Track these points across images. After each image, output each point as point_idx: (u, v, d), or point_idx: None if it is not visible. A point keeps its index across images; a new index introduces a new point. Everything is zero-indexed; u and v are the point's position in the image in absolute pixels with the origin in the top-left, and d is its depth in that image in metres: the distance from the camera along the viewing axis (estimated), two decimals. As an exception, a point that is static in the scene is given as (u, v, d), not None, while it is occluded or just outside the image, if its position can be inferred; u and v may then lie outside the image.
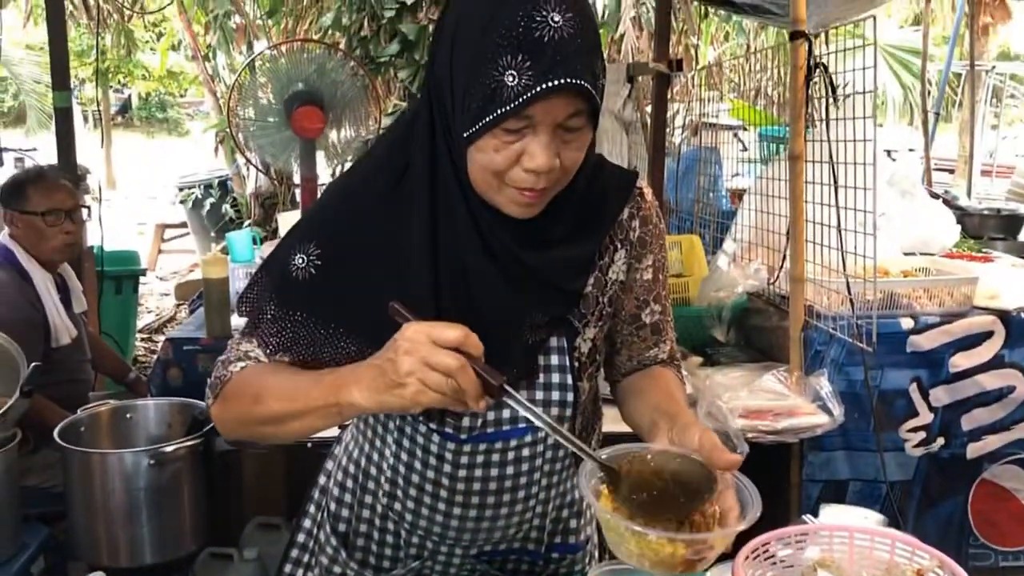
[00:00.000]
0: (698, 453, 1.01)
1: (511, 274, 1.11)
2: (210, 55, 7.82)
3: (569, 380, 1.19)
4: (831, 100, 2.36)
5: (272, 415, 1.10)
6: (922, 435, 2.51)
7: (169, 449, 2.24)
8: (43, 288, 2.72)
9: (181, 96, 18.60)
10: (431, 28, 4.52)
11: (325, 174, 4.37)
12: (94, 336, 3.23)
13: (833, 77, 2.36)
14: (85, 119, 13.84)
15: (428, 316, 1.02)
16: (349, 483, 1.32)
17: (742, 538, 1.03)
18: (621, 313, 1.30)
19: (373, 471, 1.28)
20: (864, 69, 2.29)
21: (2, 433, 2.13)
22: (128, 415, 2.49)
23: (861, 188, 2.28)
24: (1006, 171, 8.70)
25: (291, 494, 2.61)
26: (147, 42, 13.26)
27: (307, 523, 1.39)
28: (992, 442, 2.54)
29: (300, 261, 1.14)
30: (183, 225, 8.53)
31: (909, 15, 11.80)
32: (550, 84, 0.96)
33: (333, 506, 1.34)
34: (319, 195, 1.29)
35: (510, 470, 1.21)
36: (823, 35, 2.61)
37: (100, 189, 4.81)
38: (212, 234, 7.83)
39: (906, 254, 2.92)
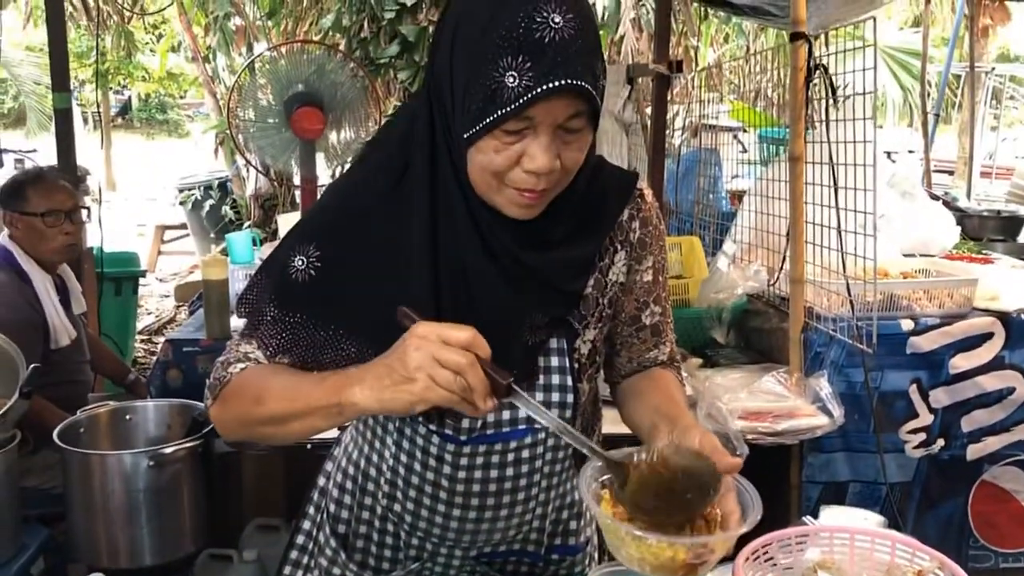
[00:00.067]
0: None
1: (511, 275, 1.11)
2: (210, 56, 7.82)
3: (569, 381, 1.19)
4: (831, 101, 2.36)
5: (273, 416, 1.09)
6: (922, 436, 2.51)
7: (168, 450, 2.24)
8: (42, 289, 2.72)
9: (181, 97, 18.61)
10: (431, 29, 4.53)
11: (325, 175, 4.36)
12: (93, 337, 3.23)
13: (833, 78, 2.36)
14: (85, 121, 13.85)
15: (429, 318, 1.02)
16: (349, 484, 1.32)
17: (742, 540, 1.03)
18: (621, 314, 1.30)
19: (373, 472, 1.28)
20: (864, 70, 2.29)
21: (1, 434, 2.12)
22: (127, 416, 2.49)
23: (861, 189, 2.28)
24: (1005, 173, 8.72)
25: (290, 495, 2.60)
26: (147, 44, 13.26)
27: (306, 524, 1.39)
28: (992, 443, 2.54)
29: (300, 263, 1.13)
30: (183, 226, 8.53)
31: (909, 17, 11.81)
32: (551, 85, 0.96)
33: (332, 507, 1.34)
34: (319, 196, 1.29)
35: (510, 471, 1.21)
36: (823, 36, 2.61)
37: (100, 190, 4.81)
38: (212, 235, 7.83)
39: (906, 255, 2.92)
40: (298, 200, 4.38)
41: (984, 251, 3.36)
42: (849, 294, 2.32)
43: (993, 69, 10.01)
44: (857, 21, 3.14)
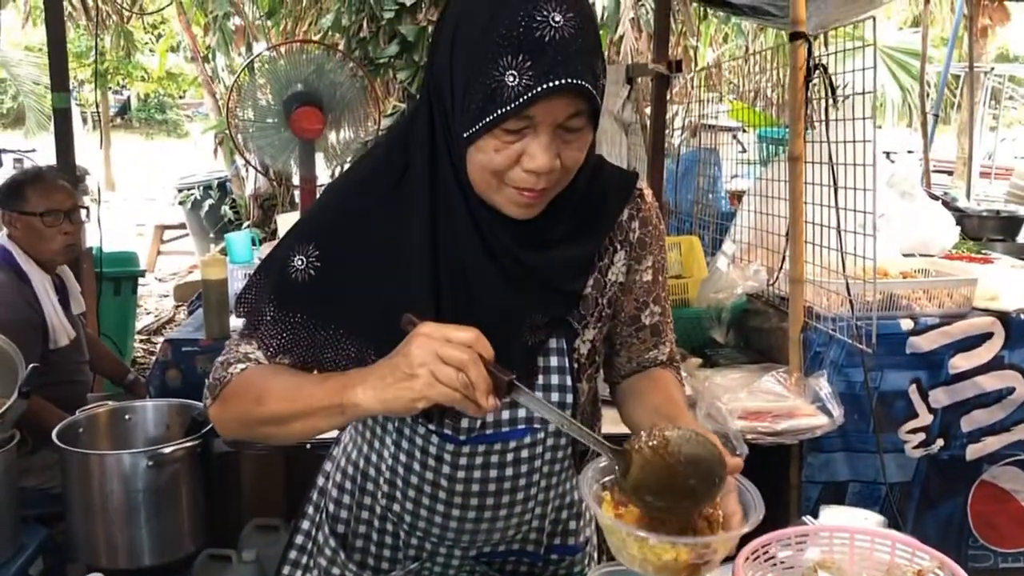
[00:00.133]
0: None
1: (511, 274, 1.11)
2: (209, 56, 7.82)
3: (568, 381, 1.19)
4: (830, 101, 2.36)
5: (274, 416, 1.09)
6: (921, 436, 2.50)
7: (167, 450, 2.23)
8: (41, 289, 2.72)
9: (180, 97, 18.61)
10: (430, 29, 4.53)
11: (324, 175, 4.36)
12: (92, 337, 3.23)
13: (832, 78, 2.36)
14: (84, 120, 13.86)
15: (429, 318, 1.02)
16: (348, 484, 1.32)
17: (742, 539, 1.03)
18: (620, 314, 1.30)
19: (372, 472, 1.28)
20: (864, 70, 2.29)
21: (0, 434, 2.12)
22: (126, 416, 2.49)
23: (860, 189, 2.28)
24: (1004, 173, 8.73)
25: (290, 495, 2.61)
26: (146, 43, 13.25)
27: (305, 524, 1.39)
28: (991, 443, 2.54)
29: (299, 263, 1.13)
30: (182, 226, 8.53)
31: (908, 17, 11.81)
32: (551, 84, 0.96)
33: (332, 507, 1.34)
34: (318, 196, 1.29)
35: (509, 471, 1.21)
36: (822, 36, 2.61)
37: (99, 190, 4.81)
38: (211, 235, 7.83)
39: (905, 255, 2.91)
40: (297, 200, 4.38)
41: (983, 251, 3.36)
42: (849, 294, 2.32)
43: (992, 69, 10.02)
44: (856, 21, 3.13)
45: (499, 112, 0.98)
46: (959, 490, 2.58)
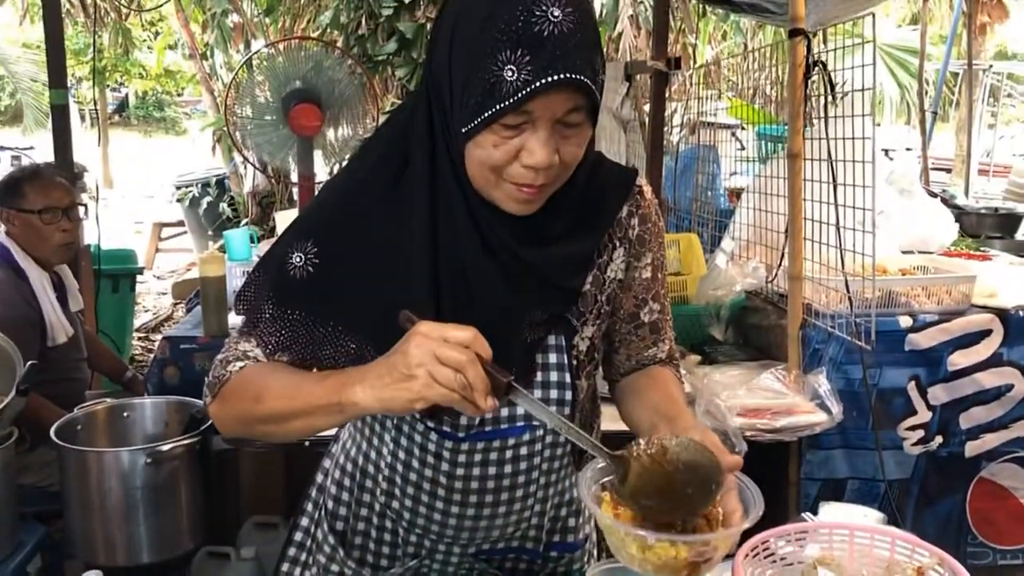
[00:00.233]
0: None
1: (510, 271, 1.10)
2: (207, 53, 7.81)
3: (567, 378, 1.19)
4: (829, 98, 2.36)
5: (273, 414, 1.09)
6: (920, 433, 2.51)
7: (166, 448, 2.23)
8: (39, 286, 2.71)
9: (178, 95, 18.57)
10: (429, 26, 4.52)
11: (322, 172, 4.36)
12: (91, 335, 3.22)
13: (831, 75, 2.36)
14: (82, 118, 13.86)
15: (429, 316, 1.01)
16: (347, 481, 1.32)
17: (742, 537, 1.03)
18: (620, 312, 1.30)
19: (371, 469, 1.28)
20: (863, 67, 2.29)
21: (-2, 432, 2.12)
22: (125, 414, 2.49)
23: (859, 186, 2.27)
24: (1003, 170, 8.73)
25: (289, 493, 2.60)
26: (144, 40, 13.24)
27: (305, 522, 1.39)
28: (990, 440, 2.54)
29: (298, 260, 1.13)
30: (180, 224, 8.52)
31: (907, 14, 11.82)
32: (549, 79, 0.95)
33: (331, 504, 1.33)
34: (316, 193, 1.29)
35: (508, 468, 1.20)
36: (821, 33, 2.61)
37: (97, 188, 4.79)
38: (209, 233, 7.83)
39: (904, 252, 2.92)
40: (296, 197, 4.38)
41: (982, 248, 3.36)
42: (848, 291, 2.32)
43: (991, 67, 10.01)
44: (855, 18, 3.12)
45: (498, 107, 0.97)
46: (958, 487, 2.58)
